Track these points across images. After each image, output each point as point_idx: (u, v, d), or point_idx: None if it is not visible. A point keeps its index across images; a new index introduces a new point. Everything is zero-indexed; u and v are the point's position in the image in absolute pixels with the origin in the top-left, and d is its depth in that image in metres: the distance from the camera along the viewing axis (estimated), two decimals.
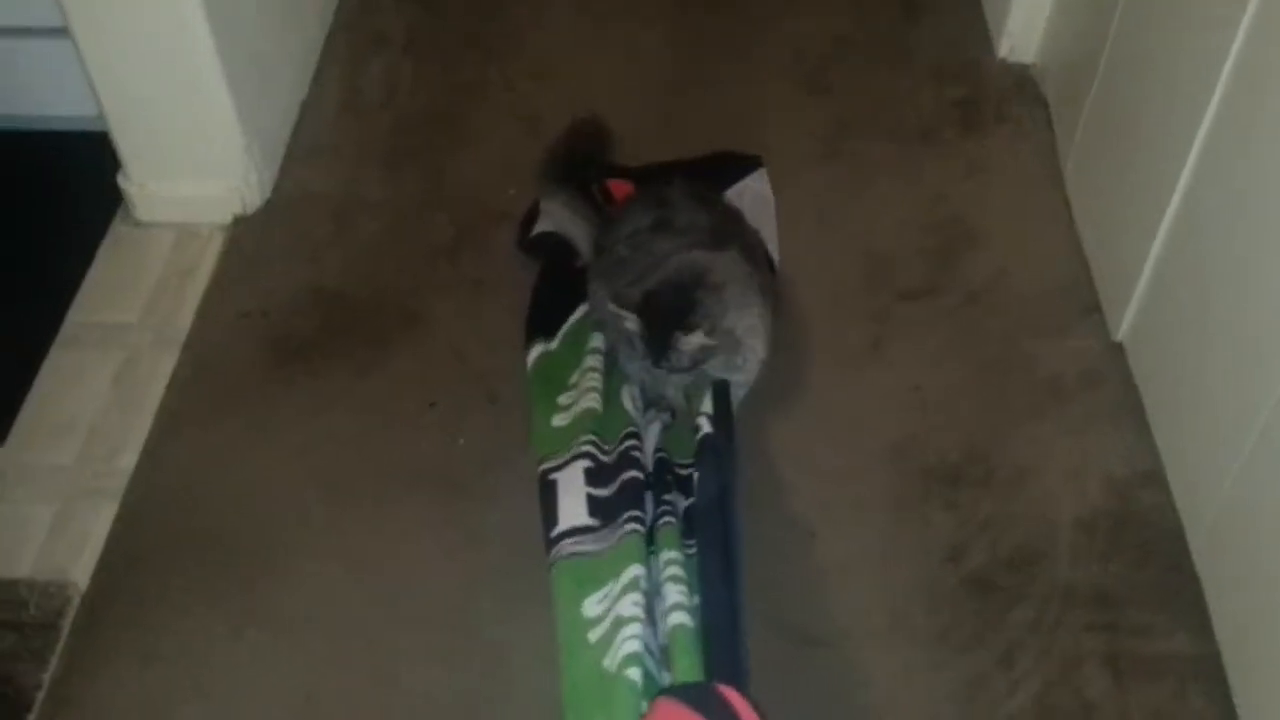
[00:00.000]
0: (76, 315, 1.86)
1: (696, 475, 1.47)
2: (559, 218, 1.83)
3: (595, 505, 1.50)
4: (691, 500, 1.48)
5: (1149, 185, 1.63)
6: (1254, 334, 1.38)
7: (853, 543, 1.56)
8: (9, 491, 1.65)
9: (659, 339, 1.47)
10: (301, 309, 1.88)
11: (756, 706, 1.24)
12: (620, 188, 1.89)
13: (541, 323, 1.75)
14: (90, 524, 1.60)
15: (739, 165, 1.99)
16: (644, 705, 1.28)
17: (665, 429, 1.61)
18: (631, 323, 1.49)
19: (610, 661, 1.32)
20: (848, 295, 1.87)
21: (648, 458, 1.55)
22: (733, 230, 1.66)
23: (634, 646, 1.32)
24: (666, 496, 1.50)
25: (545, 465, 1.57)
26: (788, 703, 1.36)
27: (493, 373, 1.75)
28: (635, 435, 1.56)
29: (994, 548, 1.55)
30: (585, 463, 1.54)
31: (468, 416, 1.72)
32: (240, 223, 2.00)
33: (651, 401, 1.63)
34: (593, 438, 1.57)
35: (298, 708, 1.43)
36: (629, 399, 1.62)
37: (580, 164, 1.85)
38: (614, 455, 1.55)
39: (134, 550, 1.58)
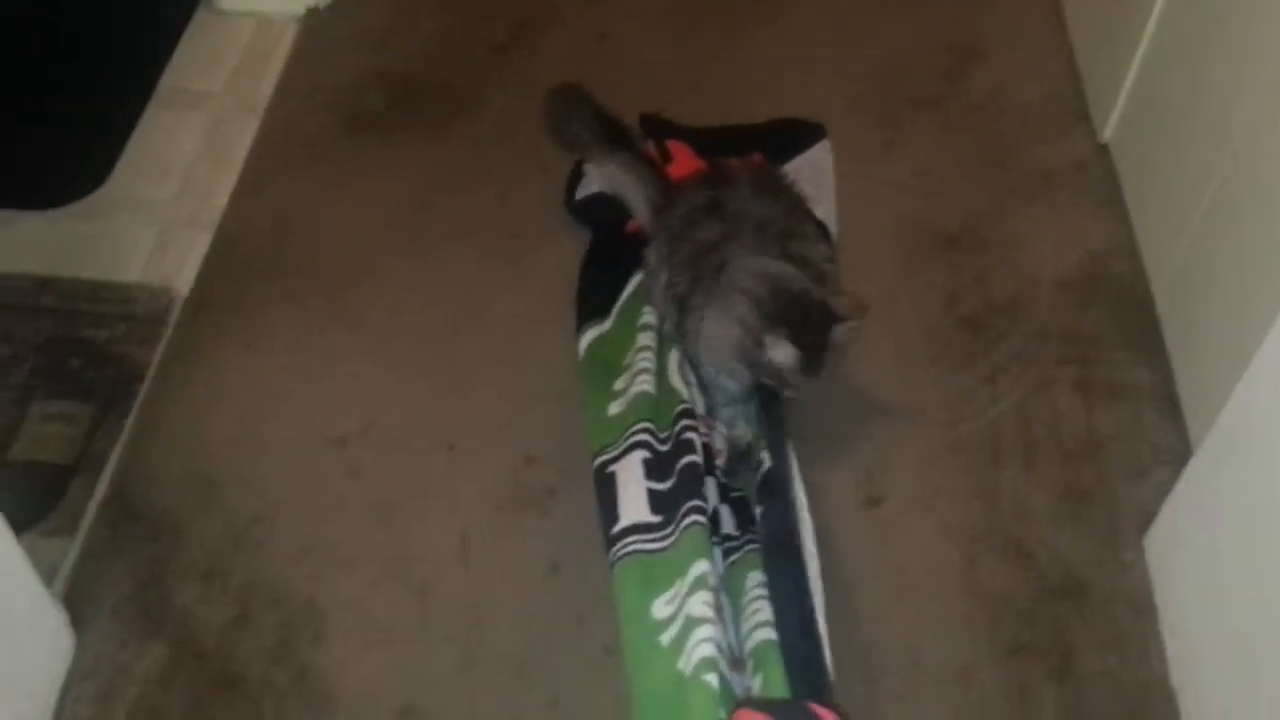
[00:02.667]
0: (168, 81, 2.06)
1: (760, 510, 1.43)
2: (614, 179, 1.77)
3: (656, 501, 1.42)
4: (755, 535, 1.44)
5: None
6: (1204, 127, 1.61)
7: (862, 287, 1.77)
8: (116, 215, 1.86)
9: (813, 346, 1.39)
10: (370, 89, 2.08)
11: None
12: (680, 149, 1.85)
13: (594, 302, 1.70)
14: (190, 245, 1.82)
15: (802, 134, 1.94)
16: (721, 713, 1.22)
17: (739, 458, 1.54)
18: (784, 352, 1.39)
19: (685, 664, 1.27)
20: (864, 103, 2.08)
21: (705, 431, 1.50)
22: (783, 228, 1.51)
23: (708, 650, 1.26)
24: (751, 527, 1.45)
25: (602, 457, 1.50)
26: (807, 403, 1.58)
27: (542, 147, 1.94)
28: (689, 414, 1.48)
29: (984, 297, 1.78)
30: (643, 453, 1.47)
31: (520, 181, 1.92)
32: (313, 14, 2.20)
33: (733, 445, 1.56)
34: (648, 424, 1.49)
35: (378, 401, 1.64)
36: (678, 373, 1.55)
37: (612, 122, 1.79)
38: (670, 442, 1.47)
39: (231, 266, 1.79)
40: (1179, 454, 1.52)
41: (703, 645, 1.27)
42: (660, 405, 1.52)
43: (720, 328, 1.44)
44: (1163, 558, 1.46)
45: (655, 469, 1.45)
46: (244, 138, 1.98)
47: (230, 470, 1.55)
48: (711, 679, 1.24)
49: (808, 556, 1.37)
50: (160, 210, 1.87)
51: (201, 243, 1.82)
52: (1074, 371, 1.69)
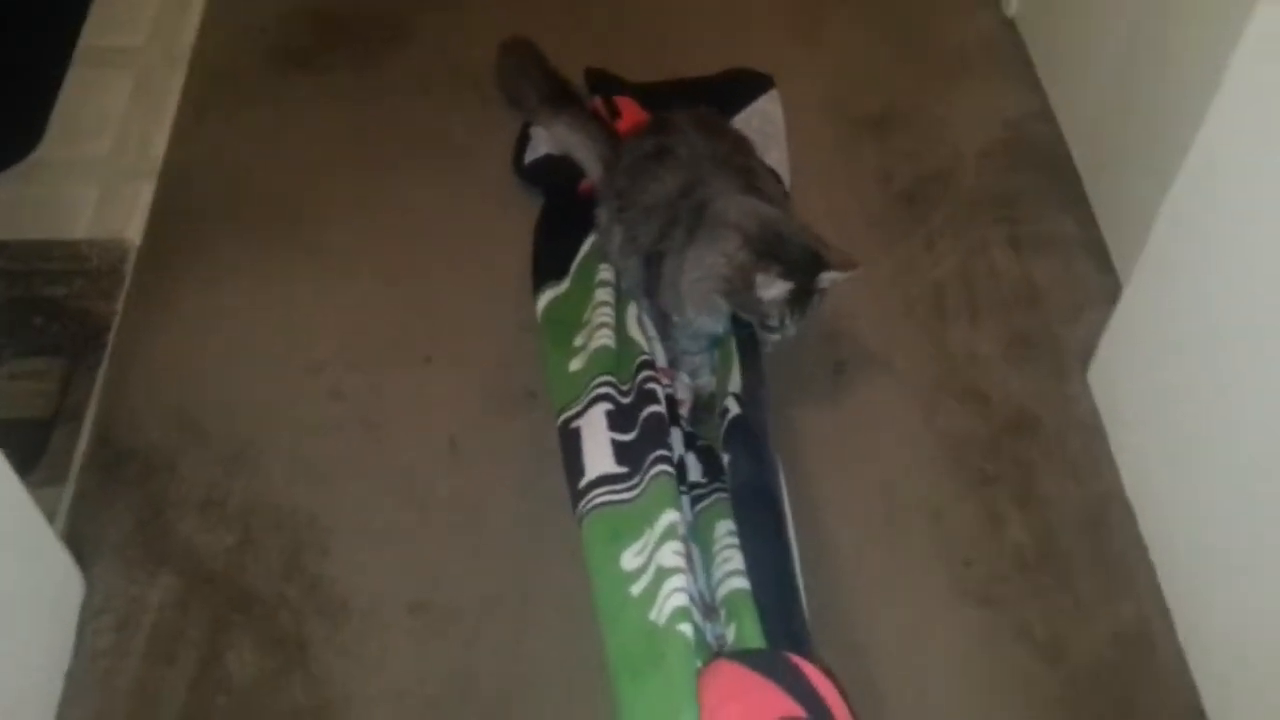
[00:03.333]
0: (89, 40, 2.03)
1: (728, 459, 1.41)
2: (562, 139, 1.77)
3: (621, 452, 1.41)
4: (723, 483, 1.44)
5: None
6: None
7: (801, 176, 1.85)
8: (55, 175, 1.84)
9: (801, 288, 1.40)
10: (295, 26, 2.08)
11: (830, 674, 1.22)
12: (628, 105, 1.85)
13: (550, 265, 1.68)
14: (135, 197, 1.81)
15: (750, 85, 1.94)
16: (697, 661, 1.22)
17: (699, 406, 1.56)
18: (775, 289, 1.39)
19: (657, 615, 1.25)
20: (781, 4, 2.14)
21: (666, 382, 1.50)
22: (741, 165, 1.54)
23: (681, 600, 1.25)
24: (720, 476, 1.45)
25: (565, 414, 1.49)
26: None
27: (476, 66, 1.97)
28: (649, 365, 1.47)
29: (915, 172, 1.87)
30: (605, 405, 1.46)
31: (456, 102, 1.95)
32: None
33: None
34: (609, 378, 1.48)
35: (348, 324, 1.67)
36: (636, 325, 1.55)
37: (560, 82, 1.81)
38: (633, 394, 1.46)
39: (179, 212, 1.80)
40: (1110, 292, 1.62)
41: (675, 595, 1.25)
42: (621, 358, 1.51)
43: (705, 266, 1.44)
44: (1106, 386, 1.57)
45: (618, 420, 1.44)
46: (173, 85, 1.97)
47: (212, 404, 1.57)
48: (686, 629, 1.22)
49: (784, 506, 1.38)
50: (99, 166, 1.85)
51: (146, 193, 1.82)
52: (1006, 230, 1.79)
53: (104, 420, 1.56)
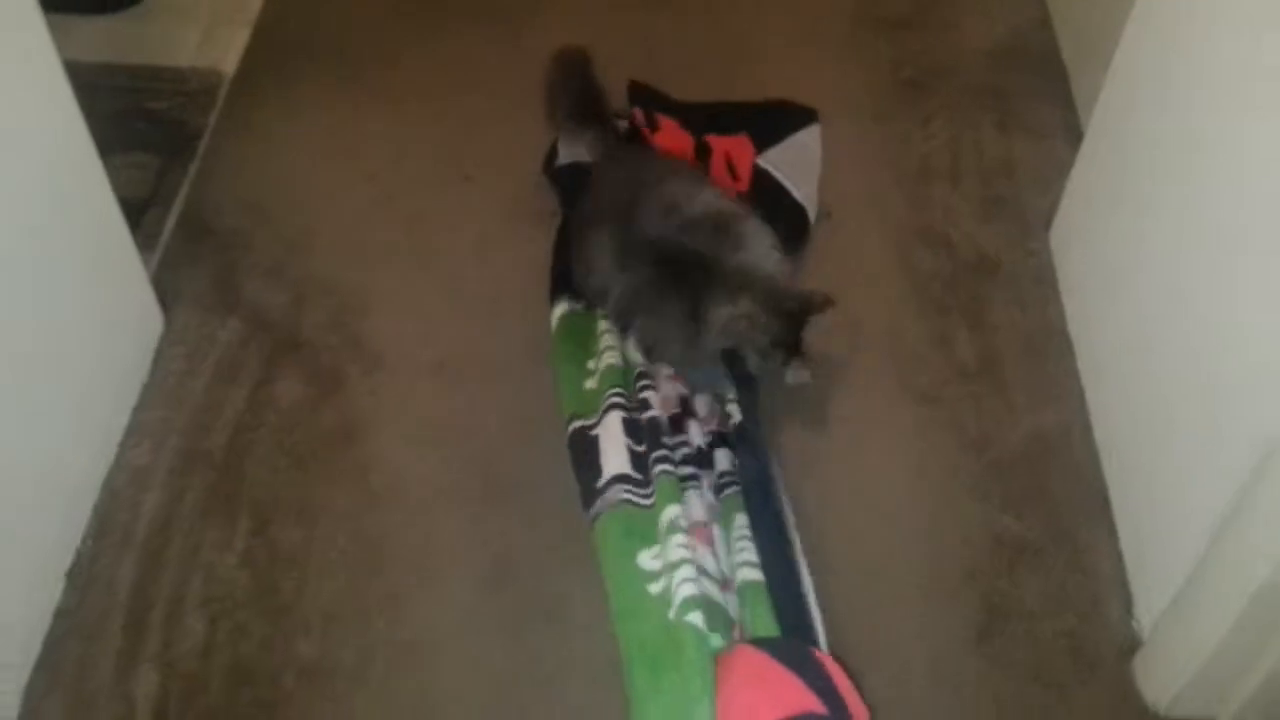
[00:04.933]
0: None
1: (735, 461, 1.49)
2: (583, 153, 1.80)
3: (636, 460, 1.46)
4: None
5: None
6: None
7: (820, 56, 2.06)
8: (163, 17, 2.13)
9: (794, 332, 1.50)
10: None
11: (850, 676, 1.27)
12: (669, 125, 1.87)
13: (567, 281, 1.68)
14: (231, 39, 2.09)
15: (792, 118, 1.93)
16: (710, 643, 1.28)
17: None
18: (756, 345, 1.50)
19: (673, 613, 1.30)
20: None
21: (663, 387, 1.57)
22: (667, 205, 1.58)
23: (690, 590, 1.30)
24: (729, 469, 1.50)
25: (579, 423, 1.52)
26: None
27: None
28: (645, 374, 1.55)
29: (923, 64, 2.07)
30: (620, 413, 1.50)
31: None
32: None
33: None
34: (619, 389, 1.53)
35: (401, 147, 1.92)
36: (629, 351, 1.61)
37: (593, 99, 1.81)
38: (635, 403, 1.53)
39: (268, 53, 2.07)
40: None
41: (684, 585, 1.31)
42: (626, 374, 1.57)
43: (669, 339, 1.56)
44: (1062, 241, 1.76)
45: (633, 429, 1.49)
46: None
47: (280, 200, 1.84)
48: (695, 618, 1.28)
49: (786, 516, 1.44)
50: (201, 13, 2.14)
51: (241, 37, 2.10)
52: (996, 115, 1.99)
53: (191, 206, 1.83)
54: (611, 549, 1.39)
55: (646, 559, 1.37)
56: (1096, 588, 1.44)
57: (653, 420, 1.50)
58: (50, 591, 1.39)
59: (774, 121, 1.91)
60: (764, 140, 1.87)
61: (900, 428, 1.59)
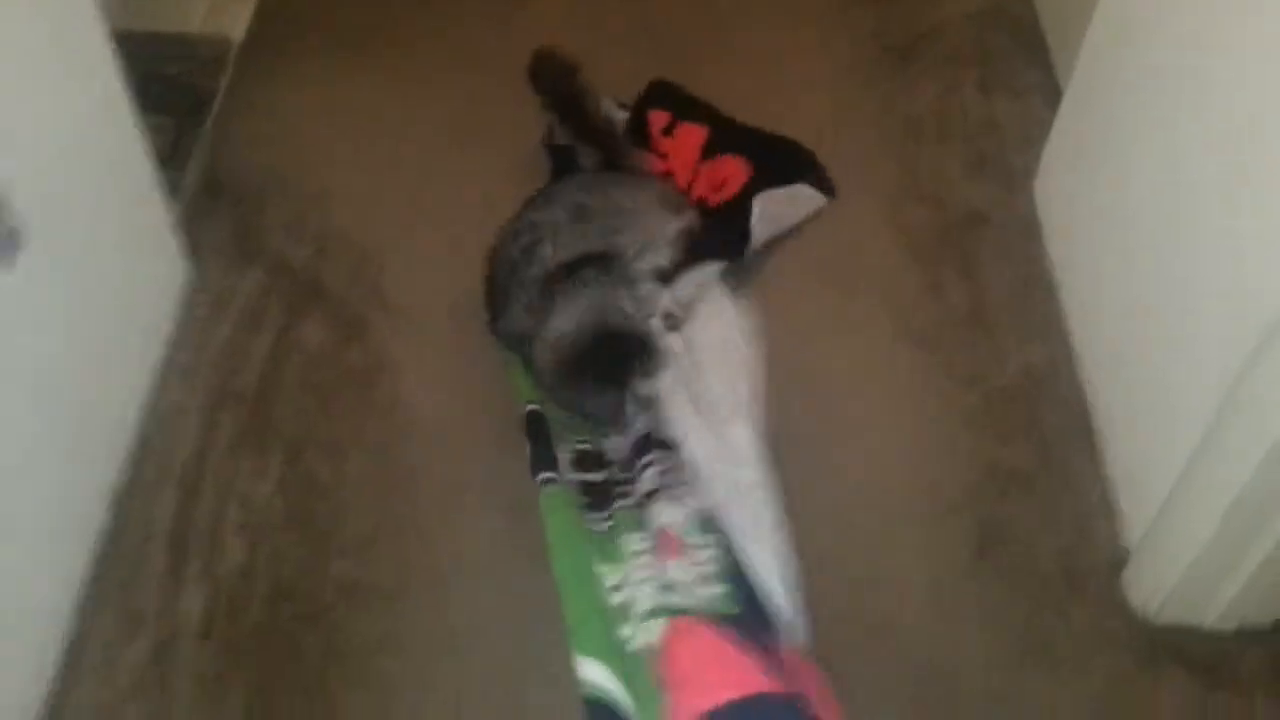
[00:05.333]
0: None
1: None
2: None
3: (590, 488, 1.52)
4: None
5: None
6: None
7: (808, 25, 2.15)
8: None
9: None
10: None
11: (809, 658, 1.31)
12: (688, 132, 1.91)
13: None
14: (240, 9, 2.15)
15: (797, 163, 1.91)
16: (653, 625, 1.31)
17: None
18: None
19: (629, 630, 1.34)
20: None
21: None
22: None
23: (649, 603, 1.34)
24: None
25: (534, 406, 1.58)
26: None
27: None
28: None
29: (906, 30, 2.16)
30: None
31: None
32: None
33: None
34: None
35: (411, 117, 1.99)
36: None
37: (575, 97, 1.84)
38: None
39: (277, 25, 2.13)
40: None
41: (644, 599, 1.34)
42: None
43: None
44: (1045, 193, 1.86)
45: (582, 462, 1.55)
46: None
47: (292, 162, 1.90)
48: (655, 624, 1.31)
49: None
50: None
51: (247, 6, 2.15)
52: (978, 77, 2.08)
53: (208, 165, 1.89)
54: (557, 519, 1.44)
55: (604, 571, 1.40)
56: (1086, 510, 1.54)
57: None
58: (94, 520, 1.45)
59: (782, 161, 1.90)
60: (766, 179, 1.85)
61: (896, 367, 1.68)
